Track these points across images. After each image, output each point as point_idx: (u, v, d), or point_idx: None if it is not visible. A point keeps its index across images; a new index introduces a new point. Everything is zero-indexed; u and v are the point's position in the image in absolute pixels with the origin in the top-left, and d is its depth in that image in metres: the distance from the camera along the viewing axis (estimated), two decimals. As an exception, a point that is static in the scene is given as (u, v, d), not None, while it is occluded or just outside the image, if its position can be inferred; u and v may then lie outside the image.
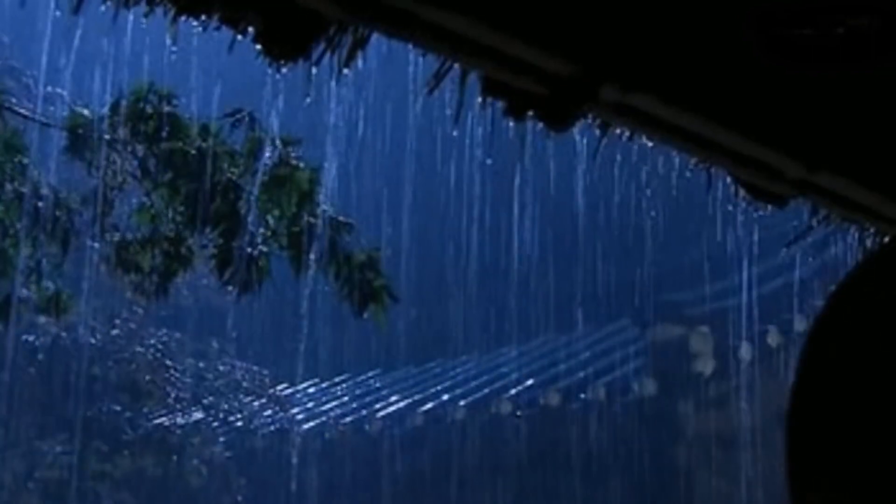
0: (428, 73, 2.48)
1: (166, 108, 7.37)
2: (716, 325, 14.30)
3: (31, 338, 15.27)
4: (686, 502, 14.74)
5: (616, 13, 2.30)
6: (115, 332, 16.39)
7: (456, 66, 2.46)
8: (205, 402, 17.32)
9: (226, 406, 17.51)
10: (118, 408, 16.31)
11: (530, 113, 2.40)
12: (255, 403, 17.82)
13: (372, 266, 7.44)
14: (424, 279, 16.03)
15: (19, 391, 14.48)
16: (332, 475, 16.78)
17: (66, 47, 8.48)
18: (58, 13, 6.46)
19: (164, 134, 7.33)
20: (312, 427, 17.53)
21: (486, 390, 16.38)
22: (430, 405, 16.82)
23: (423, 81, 2.50)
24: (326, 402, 18.18)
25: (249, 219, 7.31)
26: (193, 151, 7.32)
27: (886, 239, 3.11)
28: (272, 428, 17.67)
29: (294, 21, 2.28)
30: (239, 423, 17.59)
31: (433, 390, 17.09)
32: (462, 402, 16.43)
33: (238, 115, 7.42)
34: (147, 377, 16.61)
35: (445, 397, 16.75)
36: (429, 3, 2.18)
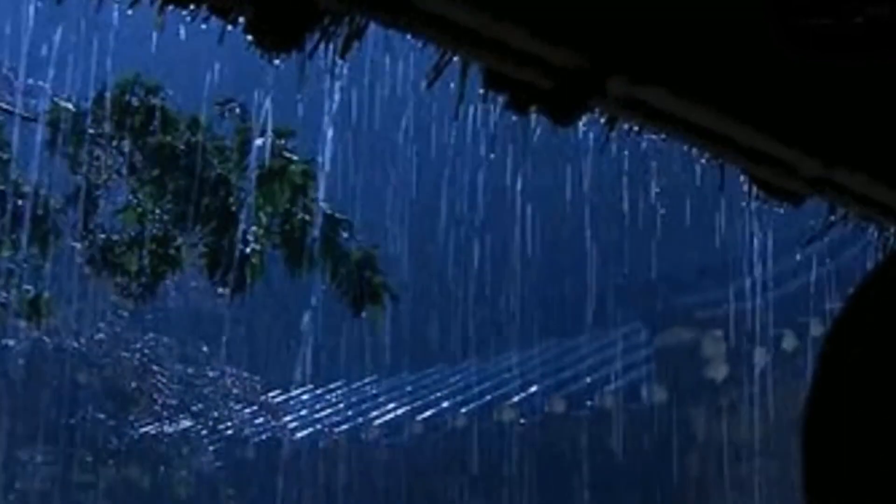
0: (427, 66, 2.44)
1: (153, 101, 7.23)
2: (729, 329, 14.05)
3: (10, 342, 15.10)
4: (697, 513, 14.60)
5: (624, 2, 2.28)
6: (99, 336, 16.18)
7: (456, 57, 2.41)
8: (193, 409, 17.19)
9: (215, 414, 17.35)
10: (103, 415, 16.16)
11: (534, 107, 2.37)
12: (246, 411, 17.70)
13: (369, 264, 7.27)
14: (423, 280, 16.08)
15: (-1, 398, 14.45)
16: (326, 486, 16.60)
17: (48, 37, 8.43)
18: (39, 2, 6.38)
19: (151, 128, 7.20)
20: (306, 436, 17.35)
21: (488, 397, 16.21)
22: (429, 413, 16.63)
23: (421, 74, 2.46)
24: (321, 410, 18.05)
25: (241, 216, 7.15)
26: (182, 146, 7.19)
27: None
28: (264, 437, 17.55)
29: (287, 10, 2.22)
30: (229, 432, 17.48)
31: (432, 397, 16.95)
32: (463, 410, 16.26)
33: (229, 106, 7.25)
34: (133, 384, 16.44)
35: (445, 404, 16.60)
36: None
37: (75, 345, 15.63)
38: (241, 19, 2.26)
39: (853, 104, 2.48)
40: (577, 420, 15.10)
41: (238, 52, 2.36)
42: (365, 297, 7.18)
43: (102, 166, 7.36)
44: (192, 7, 2.31)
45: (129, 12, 2.45)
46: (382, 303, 7.25)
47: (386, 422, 16.93)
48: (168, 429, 16.62)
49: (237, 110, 7.21)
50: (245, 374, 17.64)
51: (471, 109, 2.49)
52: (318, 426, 17.46)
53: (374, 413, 17.22)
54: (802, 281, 12.18)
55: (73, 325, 15.04)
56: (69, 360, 15.27)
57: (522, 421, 15.53)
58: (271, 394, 17.87)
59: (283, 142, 7.19)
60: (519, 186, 13.51)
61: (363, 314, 7.24)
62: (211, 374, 17.47)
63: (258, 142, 7.14)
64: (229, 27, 2.31)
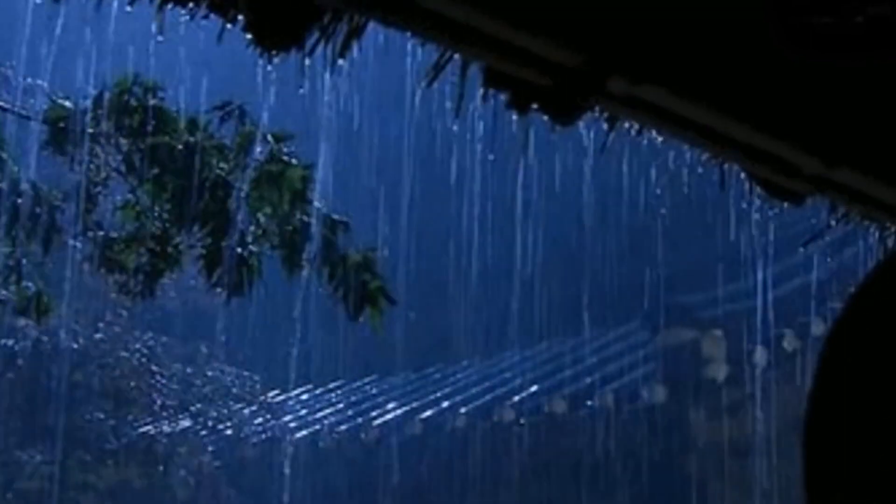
0: (427, 64, 2.44)
1: (152, 101, 7.22)
2: (729, 328, 14.04)
3: (10, 342, 15.06)
4: (698, 514, 14.56)
5: (624, 2, 2.28)
6: (98, 335, 16.16)
7: (456, 56, 2.41)
8: (193, 409, 17.13)
9: (215, 413, 17.30)
10: (102, 415, 16.08)
11: (534, 106, 2.37)
12: (246, 411, 17.65)
13: (368, 267, 7.28)
14: (423, 280, 16.00)
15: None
16: (325, 486, 16.57)
17: (46, 36, 8.33)
18: (38, 0, 6.34)
19: (149, 127, 7.19)
20: (305, 436, 17.28)
21: (488, 397, 16.15)
22: (429, 413, 16.56)
23: (421, 73, 2.47)
24: (320, 410, 17.98)
25: (239, 217, 7.17)
26: (180, 146, 7.17)
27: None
28: (263, 436, 17.48)
29: (286, 9, 2.24)
30: (228, 432, 17.42)
31: (432, 397, 16.86)
32: (463, 410, 16.18)
33: (228, 108, 7.26)
34: (132, 383, 16.38)
35: (445, 404, 16.51)
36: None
37: (74, 345, 15.57)
38: (240, 18, 2.26)
39: (853, 104, 2.47)
40: (578, 420, 15.01)
41: (238, 52, 2.35)
42: (363, 300, 7.17)
43: (102, 165, 7.39)
44: (191, 6, 2.31)
45: (128, 10, 2.45)
46: (380, 307, 7.23)
47: (386, 422, 16.85)
48: (167, 429, 16.54)
49: (236, 112, 7.22)
50: (244, 374, 17.63)
51: (471, 108, 2.47)
52: (318, 426, 17.39)
53: (374, 413, 17.15)
54: (802, 281, 12.11)
55: (73, 324, 14.94)
56: (68, 359, 15.16)
57: (522, 421, 15.45)
58: (271, 393, 17.83)
59: (281, 145, 7.20)
60: (519, 186, 13.44)
61: (360, 318, 7.22)
62: (210, 373, 17.44)
63: (257, 144, 7.16)
64: (229, 26, 2.31)
